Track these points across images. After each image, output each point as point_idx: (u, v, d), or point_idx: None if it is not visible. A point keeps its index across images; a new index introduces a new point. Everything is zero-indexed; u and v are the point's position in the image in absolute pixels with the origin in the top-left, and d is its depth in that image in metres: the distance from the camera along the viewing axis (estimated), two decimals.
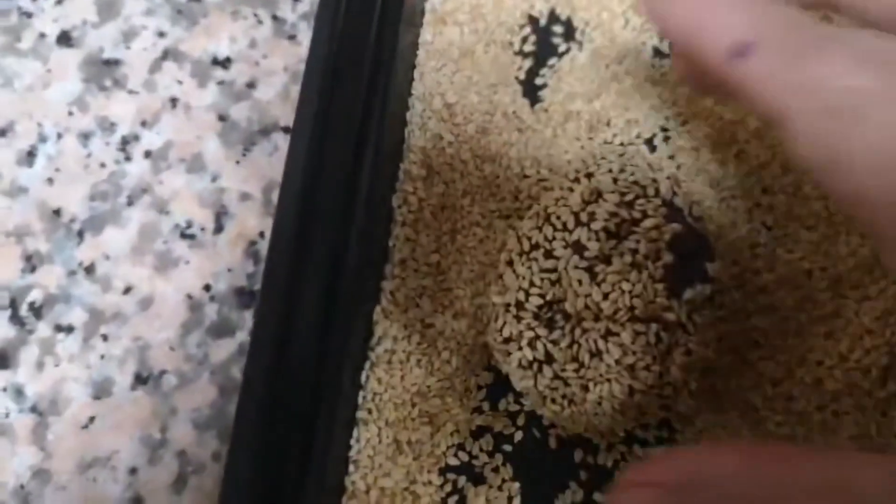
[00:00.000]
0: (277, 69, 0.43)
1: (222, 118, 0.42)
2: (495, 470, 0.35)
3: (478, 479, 0.35)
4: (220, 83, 0.42)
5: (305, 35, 0.43)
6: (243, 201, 0.40)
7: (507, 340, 0.33)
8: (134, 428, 0.37)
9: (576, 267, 0.32)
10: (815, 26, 0.23)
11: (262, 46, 0.43)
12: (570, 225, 0.32)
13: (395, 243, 0.38)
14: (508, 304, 0.33)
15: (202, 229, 0.40)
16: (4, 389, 0.38)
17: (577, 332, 0.32)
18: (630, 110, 0.39)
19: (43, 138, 0.41)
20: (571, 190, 0.34)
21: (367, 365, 0.36)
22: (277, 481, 0.33)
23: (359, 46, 0.38)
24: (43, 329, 0.39)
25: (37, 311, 0.39)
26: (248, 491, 0.33)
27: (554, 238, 0.32)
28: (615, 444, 0.35)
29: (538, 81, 0.41)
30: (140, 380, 0.38)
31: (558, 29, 0.42)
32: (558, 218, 0.33)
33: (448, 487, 0.35)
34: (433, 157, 0.39)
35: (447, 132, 0.39)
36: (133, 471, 0.37)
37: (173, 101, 0.42)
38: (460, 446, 0.36)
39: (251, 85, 0.42)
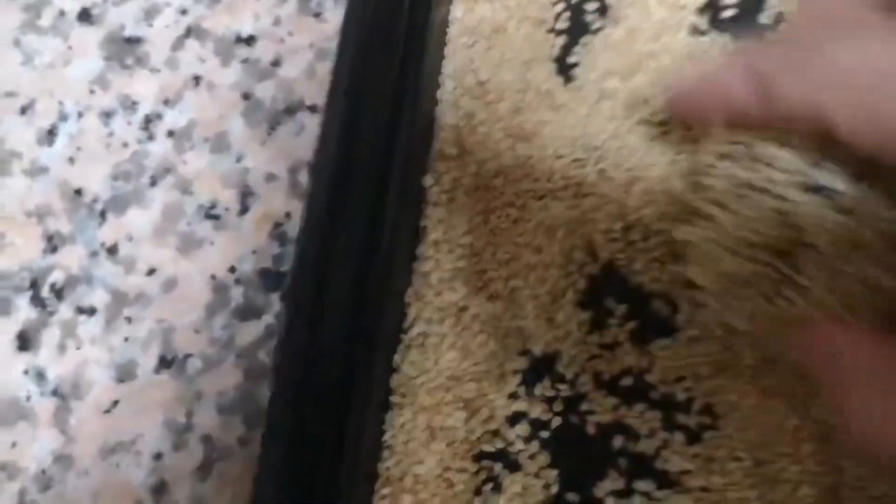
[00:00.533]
0: (303, 47, 0.42)
1: (246, 97, 0.41)
2: (532, 457, 0.34)
3: (514, 466, 0.34)
4: (244, 61, 0.41)
5: (331, 12, 0.42)
6: (269, 182, 0.39)
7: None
8: (158, 412, 0.37)
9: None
10: None
11: (287, 24, 0.42)
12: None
13: (428, 224, 0.37)
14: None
15: (227, 210, 0.39)
16: (26, 372, 0.37)
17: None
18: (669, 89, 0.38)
19: (64, 117, 0.40)
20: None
21: (401, 348, 0.35)
22: (311, 467, 0.32)
23: (390, 23, 0.37)
24: (65, 311, 0.38)
25: (58, 292, 0.38)
26: (282, 477, 0.32)
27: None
28: (656, 430, 0.34)
29: (571, 59, 0.40)
30: (164, 363, 0.37)
31: (592, 6, 0.40)
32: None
33: (483, 475, 0.34)
34: (465, 136, 0.38)
35: (480, 110, 0.38)
36: (157, 456, 0.36)
37: (196, 80, 0.41)
38: (495, 432, 0.35)
39: (276, 63, 0.41)
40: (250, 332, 0.37)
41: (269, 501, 0.32)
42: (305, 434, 0.32)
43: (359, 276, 0.34)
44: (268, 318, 0.37)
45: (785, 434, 0.33)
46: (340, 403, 0.33)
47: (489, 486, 0.34)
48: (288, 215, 0.39)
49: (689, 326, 0.35)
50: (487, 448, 0.34)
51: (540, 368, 0.35)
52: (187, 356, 0.37)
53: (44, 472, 0.36)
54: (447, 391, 0.35)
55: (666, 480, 0.34)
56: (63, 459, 0.36)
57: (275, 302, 0.38)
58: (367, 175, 0.35)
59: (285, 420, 0.33)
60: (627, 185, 0.37)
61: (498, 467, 0.34)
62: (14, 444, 0.36)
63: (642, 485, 0.34)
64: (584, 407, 0.35)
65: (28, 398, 0.37)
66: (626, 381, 0.35)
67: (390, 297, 0.35)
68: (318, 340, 0.33)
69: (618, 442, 0.34)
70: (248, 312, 0.38)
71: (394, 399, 0.35)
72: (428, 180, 0.37)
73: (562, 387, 0.35)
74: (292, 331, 0.34)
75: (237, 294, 0.38)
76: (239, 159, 0.40)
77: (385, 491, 0.33)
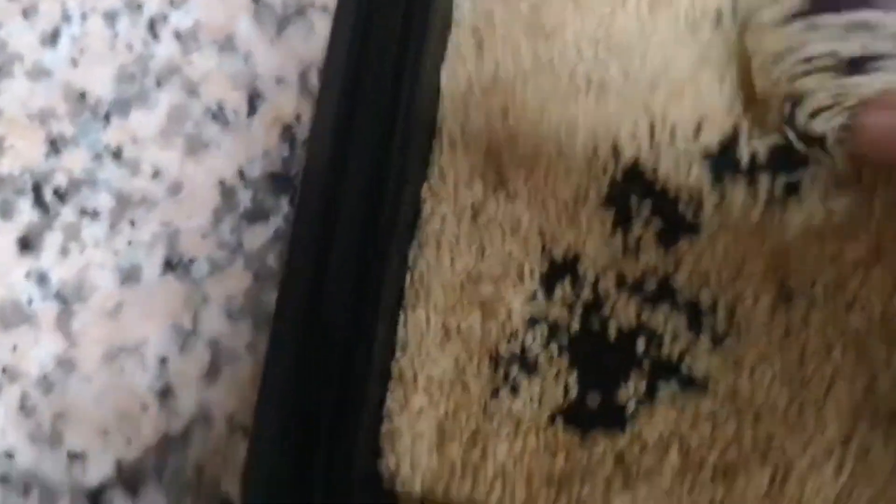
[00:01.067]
0: None
1: None
2: (550, 360, 0.33)
3: (531, 369, 0.33)
4: None
5: None
6: (278, 84, 0.38)
7: None
8: (163, 316, 0.35)
9: None
10: None
11: None
12: None
13: (444, 120, 0.35)
14: None
15: (234, 112, 0.37)
16: (28, 276, 0.36)
17: None
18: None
19: (67, 18, 0.39)
20: None
21: (415, 245, 0.34)
22: (322, 365, 0.31)
23: None
24: (67, 214, 0.36)
25: (61, 195, 0.37)
26: (290, 377, 0.31)
27: None
28: (681, 333, 0.33)
29: None
30: (170, 266, 0.36)
31: None
32: None
33: (499, 377, 0.33)
34: (483, 32, 0.36)
35: (498, 7, 0.36)
36: (163, 360, 0.35)
37: None
38: (513, 335, 0.33)
39: None
40: (259, 235, 0.36)
41: (275, 404, 0.31)
42: (315, 332, 0.31)
43: (372, 174, 0.33)
44: (277, 222, 0.36)
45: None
46: (353, 303, 0.31)
47: (506, 389, 0.33)
48: (298, 118, 0.37)
49: (713, 225, 0.33)
50: (504, 351, 0.33)
51: (560, 271, 0.34)
52: (193, 260, 0.36)
53: (46, 376, 0.35)
54: (463, 291, 0.33)
55: (692, 384, 0.32)
56: (65, 363, 0.35)
57: (284, 205, 0.36)
58: (379, 75, 0.34)
59: (295, 318, 0.31)
60: (653, 83, 0.35)
61: (515, 370, 0.33)
62: (15, 348, 0.35)
63: (666, 388, 0.32)
64: (605, 310, 0.33)
65: (30, 302, 0.36)
66: (650, 284, 0.33)
67: (405, 194, 0.33)
68: (329, 238, 0.32)
69: (640, 346, 0.33)
70: (256, 216, 0.36)
71: (408, 298, 0.33)
72: (444, 75, 0.35)
73: (583, 289, 0.34)
74: (303, 228, 0.32)
75: (245, 197, 0.36)
76: (247, 61, 0.38)
77: (398, 391, 0.32)
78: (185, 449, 0.34)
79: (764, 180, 0.34)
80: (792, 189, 0.34)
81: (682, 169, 0.34)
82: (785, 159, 0.34)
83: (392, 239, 0.32)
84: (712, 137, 0.35)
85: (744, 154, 0.34)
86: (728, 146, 0.34)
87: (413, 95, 0.34)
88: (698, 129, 0.35)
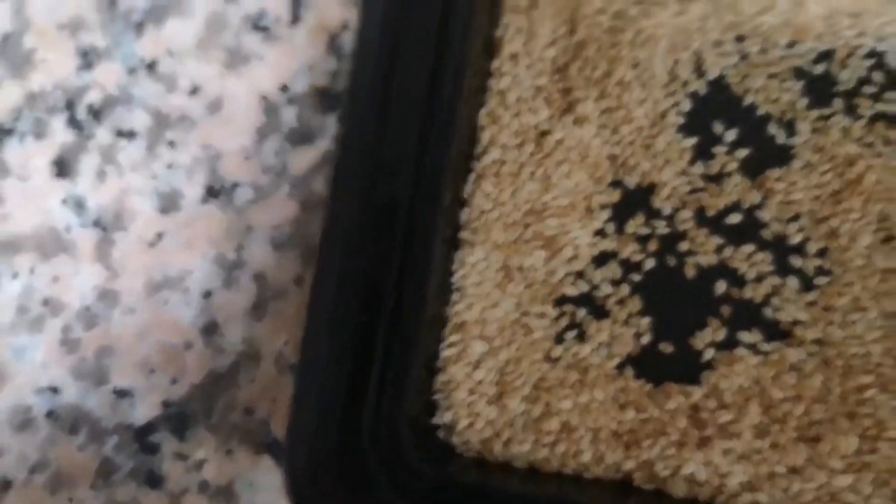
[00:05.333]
0: None
1: None
2: (621, 302, 0.30)
3: (600, 313, 0.30)
4: None
5: None
6: None
7: None
8: (206, 246, 0.33)
9: None
10: None
11: None
12: None
13: (504, 34, 0.31)
14: None
15: (276, 20, 0.34)
16: (64, 201, 0.34)
17: None
18: None
19: None
20: None
21: (472, 178, 0.31)
22: (370, 309, 0.28)
23: None
24: (103, 135, 0.34)
25: (95, 113, 0.34)
26: (337, 323, 0.29)
27: None
28: (766, 275, 0.30)
29: None
30: (211, 193, 0.33)
31: None
32: None
33: (565, 321, 0.30)
34: None
35: None
36: (207, 294, 0.33)
37: None
38: (580, 274, 0.31)
39: None
40: (305, 158, 0.33)
41: (320, 349, 0.29)
42: (362, 274, 0.29)
43: (425, 95, 0.30)
44: (324, 144, 0.33)
45: None
46: (403, 241, 0.29)
47: (572, 333, 0.30)
48: (345, 26, 0.34)
49: (807, 152, 0.30)
50: (571, 291, 0.30)
51: (633, 202, 0.31)
52: (236, 185, 0.33)
53: (88, 308, 0.33)
54: (525, 227, 0.30)
55: (776, 331, 0.30)
56: (108, 295, 0.33)
57: (331, 125, 0.33)
58: None
59: (341, 256, 0.29)
60: None
61: (582, 313, 0.30)
62: (56, 279, 0.34)
63: (748, 336, 0.30)
64: (683, 247, 0.30)
65: (68, 229, 0.34)
66: (734, 218, 0.30)
67: (460, 119, 0.30)
68: (377, 169, 0.29)
69: (721, 287, 0.30)
70: (302, 136, 0.33)
71: (463, 235, 0.31)
72: None
73: (658, 223, 0.31)
74: (348, 158, 0.30)
75: (290, 115, 0.34)
76: None
77: (454, 338, 0.30)
78: (231, 388, 0.33)
79: (866, 105, 0.30)
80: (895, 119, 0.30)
81: (774, 86, 0.31)
82: (890, 83, 0.30)
83: (445, 171, 0.29)
84: (809, 52, 0.30)
85: (845, 73, 0.30)
86: (827, 62, 0.30)
87: (470, 5, 0.30)
88: (793, 42, 0.31)
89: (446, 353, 0.30)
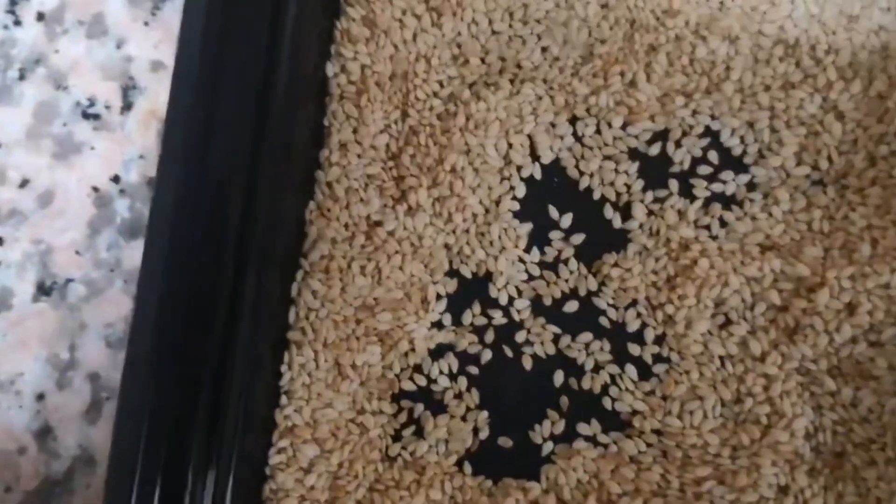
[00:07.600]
0: None
1: None
2: (458, 396, 0.29)
3: (438, 408, 0.29)
4: None
5: None
6: (154, 71, 0.33)
7: None
8: (38, 346, 0.32)
9: None
10: None
11: None
12: None
13: (332, 123, 0.31)
14: None
15: (107, 107, 0.33)
16: None
17: None
18: None
19: None
20: None
21: (300, 275, 0.30)
22: (186, 419, 0.27)
23: None
24: None
25: None
26: (151, 430, 0.27)
27: None
28: (604, 364, 0.29)
29: None
30: (43, 290, 0.32)
31: None
32: None
33: (402, 417, 0.29)
34: (378, 11, 0.31)
35: None
36: (40, 396, 0.32)
37: None
38: (417, 368, 0.30)
39: None
40: (139, 252, 0.32)
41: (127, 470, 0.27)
42: (176, 380, 0.27)
43: (245, 189, 0.28)
44: None
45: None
46: (222, 344, 0.27)
47: (409, 430, 0.29)
48: None
49: (643, 236, 0.29)
50: (408, 386, 0.30)
51: (469, 292, 0.30)
52: (69, 281, 0.32)
53: None
54: (357, 323, 0.30)
55: (615, 422, 0.29)
56: None
57: None
58: (244, 68, 0.29)
59: (151, 365, 0.27)
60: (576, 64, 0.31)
61: (420, 408, 0.30)
62: None
63: (587, 427, 0.29)
64: (520, 337, 0.30)
65: None
66: (571, 307, 0.30)
67: (284, 214, 0.29)
68: (194, 269, 0.28)
69: (559, 378, 0.29)
70: (135, 229, 0.32)
71: (292, 336, 0.29)
72: (331, 68, 0.31)
73: (495, 313, 0.30)
74: (157, 254, 0.28)
75: (122, 207, 0.32)
76: (119, 45, 0.33)
77: (283, 443, 0.29)
78: (66, 495, 0.31)
79: (701, 186, 0.30)
80: (731, 199, 0.29)
81: (609, 168, 0.30)
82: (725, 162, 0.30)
83: (268, 269, 0.28)
84: (644, 133, 0.30)
85: (679, 153, 0.30)
86: (662, 142, 0.30)
87: (291, 91, 0.29)
88: (626, 123, 0.30)
89: (275, 459, 0.29)
